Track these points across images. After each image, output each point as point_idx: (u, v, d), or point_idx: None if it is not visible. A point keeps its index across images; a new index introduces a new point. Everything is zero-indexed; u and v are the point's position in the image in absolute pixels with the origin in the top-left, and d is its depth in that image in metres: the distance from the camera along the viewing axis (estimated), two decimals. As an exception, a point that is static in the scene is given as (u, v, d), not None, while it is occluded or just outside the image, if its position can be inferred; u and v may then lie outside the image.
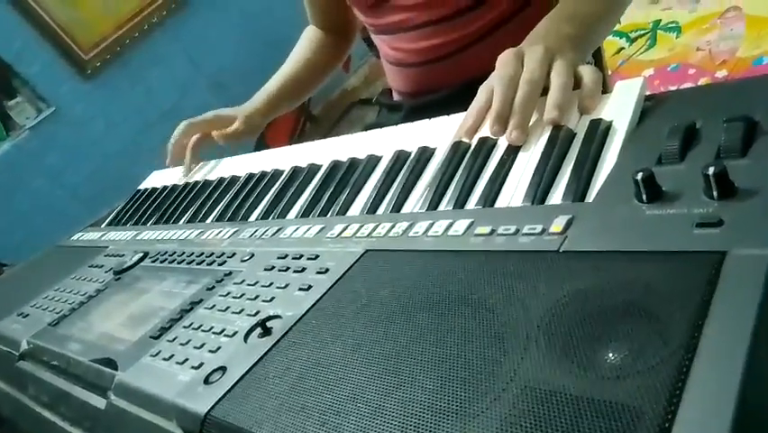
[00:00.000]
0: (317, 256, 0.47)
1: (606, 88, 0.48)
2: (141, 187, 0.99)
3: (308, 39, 1.02)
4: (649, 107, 0.44)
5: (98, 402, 0.46)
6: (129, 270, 0.66)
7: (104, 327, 0.56)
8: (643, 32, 2.17)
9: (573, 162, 0.42)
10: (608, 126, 0.44)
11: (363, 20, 0.89)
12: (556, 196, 0.41)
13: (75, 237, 0.93)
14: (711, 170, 0.31)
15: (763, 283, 0.25)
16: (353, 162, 0.61)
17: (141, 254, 0.68)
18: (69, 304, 0.65)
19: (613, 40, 2.17)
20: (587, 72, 0.49)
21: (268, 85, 0.99)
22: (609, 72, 1.14)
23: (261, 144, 2.17)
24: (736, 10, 1.97)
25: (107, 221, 0.93)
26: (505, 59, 0.52)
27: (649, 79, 1.99)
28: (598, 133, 0.44)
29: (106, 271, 0.69)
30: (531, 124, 0.49)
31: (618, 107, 0.45)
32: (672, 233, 0.31)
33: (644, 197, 0.34)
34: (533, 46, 0.52)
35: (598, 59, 0.89)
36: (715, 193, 0.31)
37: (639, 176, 0.34)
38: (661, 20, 2.17)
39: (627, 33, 2.20)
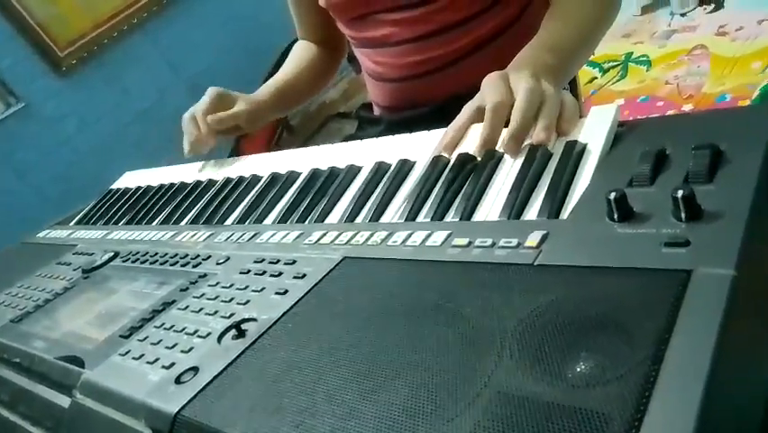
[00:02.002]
0: (294, 261, 0.48)
1: (580, 115, 0.50)
2: (114, 187, 0.97)
3: (301, 50, 1.00)
4: (622, 133, 0.46)
5: (62, 401, 0.45)
6: (98, 268, 0.65)
7: (70, 325, 0.55)
8: (615, 63, 2.25)
9: (549, 181, 0.44)
10: (583, 149, 0.46)
11: (345, 32, 0.90)
12: (532, 212, 0.43)
13: (41, 234, 0.90)
14: (680, 194, 0.33)
15: (725, 300, 0.26)
16: (333, 171, 0.62)
17: (112, 254, 0.67)
18: (34, 301, 0.64)
19: (586, 69, 2.24)
20: (567, 99, 0.51)
21: (264, 87, 0.94)
22: (583, 99, 1.18)
23: (237, 152, 2.16)
24: (703, 48, 2.06)
25: (76, 219, 0.91)
26: (493, 84, 0.53)
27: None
28: (574, 154, 0.45)
29: (74, 270, 0.68)
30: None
31: (593, 131, 0.47)
32: (641, 251, 0.32)
33: (616, 216, 0.36)
34: (519, 72, 0.53)
35: (573, 86, 0.92)
36: (683, 215, 0.33)
37: (612, 196, 0.35)
38: (632, 53, 2.25)
39: (600, 64, 2.28)
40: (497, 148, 0.51)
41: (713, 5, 2.29)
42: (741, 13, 2.14)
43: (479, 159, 0.51)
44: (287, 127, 2.58)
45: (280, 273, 0.47)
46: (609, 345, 0.27)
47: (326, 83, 1.04)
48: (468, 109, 0.54)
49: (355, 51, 0.92)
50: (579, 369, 0.27)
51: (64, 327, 0.55)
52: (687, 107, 1.82)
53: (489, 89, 0.52)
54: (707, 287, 0.28)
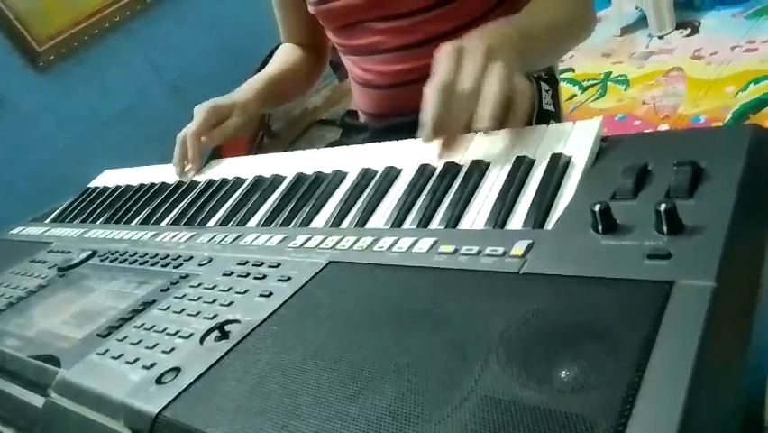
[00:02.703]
0: (279, 264, 0.47)
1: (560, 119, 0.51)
2: (92, 184, 0.95)
3: (286, 51, 1.00)
4: (605, 147, 0.47)
5: (36, 401, 0.44)
6: (75, 267, 0.64)
7: (45, 323, 0.54)
8: (594, 81, 2.30)
9: (534, 192, 0.45)
10: (568, 161, 0.46)
11: (333, 40, 0.91)
12: (517, 222, 0.43)
13: (15, 231, 0.88)
14: (663, 207, 0.34)
15: (706, 311, 0.27)
16: (319, 176, 0.62)
17: (90, 252, 0.66)
18: (7, 299, 0.62)
19: (567, 86, 2.28)
20: (519, 85, 0.50)
21: (253, 83, 0.91)
22: (568, 111, 1.21)
23: (217, 154, 2.14)
24: (679, 70, 2.12)
25: (52, 217, 0.89)
26: (443, 61, 0.52)
27: (598, 127, 2.10)
28: (558, 166, 0.46)
29: (50, 268, 0.66)
30: (493, 150, 0.51)
31: (577, 145, 0.48)
32: (625, 262, 0.33)
33: (600, 228, 0.36)
34: (473, 42, 0.53)
35: (555, 101, 0.93)
36: (665, 228, 0.34)
37: (596, 208, 0.36)
38: (611, 72, 2.31)
39: (580, 82, 2.33)
40: None
41: (689, 30, 2.36)
42: (715, 39, 2.21)
43: (464, 167, 0.52)
44: (268, 132, 2.57)
45: (264, 276, 0.46)
46: (594, 353, 0.28)
47: (310, 86, 1.04)
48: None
49: (342, 59, 0.93)
50: (564, 375, 0.27)
51: (38, 325, 0.54)
52: (663, 127, 1.87)
53: (438, 68, 0.52)
54: (688, 298, 0.29)
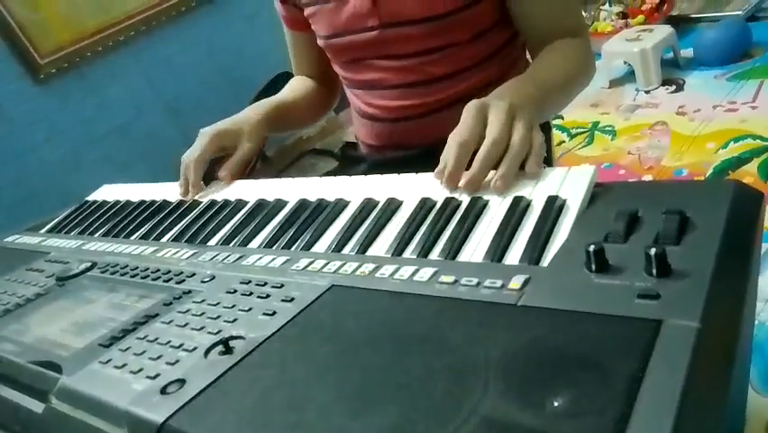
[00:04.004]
0: (282, 285, 0.49)
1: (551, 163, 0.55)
2: (90, 198, 0.96)
3: (297, 81, 1.03)
4: (598, 192, 0.50)
5: (35, 406, 0.44)
6: (74, 277, 0.64)
7: (43, 331, 0.55)
8: (582, 130, 2.37)
9: (531, 231, 0.47)
10: (563, 204, 0.49)
11: (340, 73, 0.94)
12: (513, 257, 0.46)
13: (9, 239, 0.89)
14: (653, 252, 0.36)
15: (692, 348, 0.29)
16: (321, 203, 0.64)
17: (90, 263, 0.67)
18: (3, 305, 0.62)
19: (555, 133, 2.35)
20: (535, 142, 0.55)
21: (260, 103, 0.91)
22: (556, 156, 1.25)
23: (211, 176, 2.15)
24: (663, 124, 2.20)
25: (48, 227, 0.90)
26: (468, 116, 0.56)
27: (584, 173, 2.16)
28: (554, 208, 0.49)
29: (48, 277, 0.67)
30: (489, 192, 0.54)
31: (572, 189, 0.50)
32: (617, 300, 0.35)
33: (594, 267, 0.39)
34: (498, 101, 0.57)
35: (548, 144, 0.97)
36: (654, 271, 0.36)
37: (591, 248, 0.39)
38: (599, 122, 2.38)
39: (569, 129, 2.40)
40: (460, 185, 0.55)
41: (674, 87, 2.46)
42: (698, 97, 2.31)
43: (463, 203, 0.54)
44: (262, 157, 2.59)
45: (268, 295, 0.48)
46: (588, 382, 0.29)
47: (319, 116, 1.06)
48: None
49: (347, 91, 0.96)
50: (559, 401, 0.29)
51: (36, 332, 0.55)
52: (647, 177, 1.93)
53: (463, 123, 0.56)
54: (675, 336, 0.31)
